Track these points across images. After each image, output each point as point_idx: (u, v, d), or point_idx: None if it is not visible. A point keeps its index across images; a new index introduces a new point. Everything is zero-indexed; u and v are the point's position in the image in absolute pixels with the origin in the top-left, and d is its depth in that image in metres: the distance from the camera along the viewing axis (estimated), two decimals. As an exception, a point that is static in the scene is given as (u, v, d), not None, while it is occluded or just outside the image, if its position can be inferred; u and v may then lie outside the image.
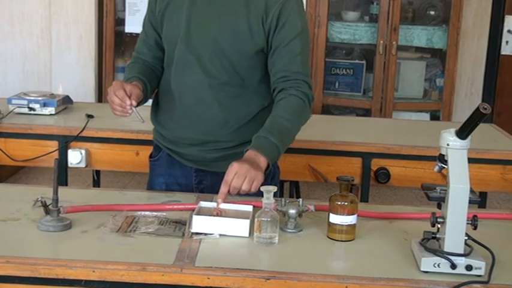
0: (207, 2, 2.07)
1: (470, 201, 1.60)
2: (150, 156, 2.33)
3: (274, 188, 1.73)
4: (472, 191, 1.61)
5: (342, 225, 1.76)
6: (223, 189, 1.83)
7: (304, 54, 2.08)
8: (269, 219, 1.71)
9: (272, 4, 2.02)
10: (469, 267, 1.57)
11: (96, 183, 3.56)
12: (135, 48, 2.26)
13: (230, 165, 1.85)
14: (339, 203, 1.77)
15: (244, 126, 2.12)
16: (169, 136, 2.20)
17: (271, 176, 2.16)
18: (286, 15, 2.02)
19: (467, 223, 1.60)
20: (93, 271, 1.55)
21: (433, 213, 1.65)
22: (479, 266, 1.57)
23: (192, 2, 2.08)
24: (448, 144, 1.63)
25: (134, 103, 1.96)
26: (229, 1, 2.05)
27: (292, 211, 1.82)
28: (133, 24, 4.80)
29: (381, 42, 4.69)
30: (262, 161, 1.89)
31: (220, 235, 1.75)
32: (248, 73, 2.09)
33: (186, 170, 2.21)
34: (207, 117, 2.10)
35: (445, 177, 1.65)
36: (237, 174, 1.82)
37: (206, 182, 2.21)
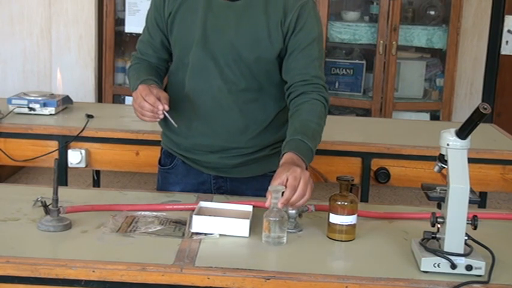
0: (224, 5, 2.01)
1: (470, 201, 1.60)
2: (160, 164, 2.26)
3: (282, 188, 1.72)
4: (472, 191, 1.61)
5: (342, 225, 1.76)
6: (288, 195, 1.71)
7: (321, 59, 2.06)
8: (277, 218, 1.71)
9: (290, 7, 1.99)
10: (469, 267, 1.57)
11: (96, 183, 3.56)
12: (136, 48, 2.19)
13: (288, 169, 1.74)
14: (339, 203, 1.77)
15: (263, 131, 2.08)
16: (186, 144, 2.14)
17: None
18: (304, 19, 2.00)
19: (467, 223, 1.60)
20: (93, 271, 1.55)
21: (433, 213, 1.65)
22: (479, 266, 1.57)
23: (207, 5, 2.02)
24: (448, 144, 1.63)
25: (167, 107, 1.90)
26: (247, 7, 2.00)
27: (292, 211, 1.81)
28: (134, 24, 4.80)
29: (381, 42, 4.69)
30: (303, 165, 1.83)
31: (220, 235, 1.75)
32: (266, 78, 2.05)
33: (203, 177, 2.17)
34: (228, 123, 2.06)
35: (445, 177, 1.65)
36: (302, 182, 1.73)
37: (226, 188, 2.17)
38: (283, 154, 1.86)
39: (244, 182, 2.16)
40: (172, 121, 1.95)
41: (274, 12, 2.00)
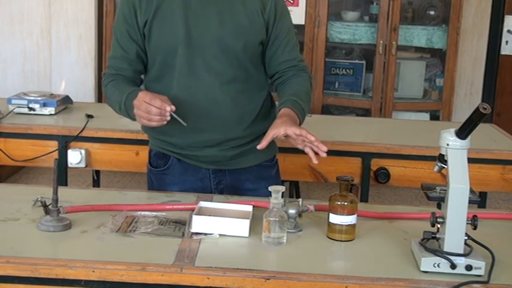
0: (202, 1, 2.06)
1: (470, 201, 1.60)
2: (152, 166, 2.23)
3: (282, 188, 1.74)
4: (471, 191, 1.61)
5: (342, 225, 1.76)
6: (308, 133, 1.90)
7: (298, 42, 2.24)
8: (277, 219, 1.71)
9: None
10: (468, 267, 1.57)
11: (96, 183, 3.56)
12: (108, 66, 2.15)
13: (286, 123, 1.92)
14: (339, 203, 1.77)
15: (255, 119, 2.15)
16: (181, 143, 2.14)
17: (276, 168, 2.25)
18: (280, 7, 2.16)
19: (467, 223, 1.60)
20: (93, 271, 1.55)
21: (433, 213, 1.65)
22: (479, 266, 1.57)
23: (185, 5, 2.05)
24: (448, 144, 1.63)
25: (173, 108, 1.90)
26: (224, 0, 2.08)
27: (292, 211, 1.82)
28: (133, 24, 4.79)
29: (381, 42, 4.68)
30: (298, 121, 1.99)
31: (220, 235, 1.75)
32: (251, 64, 2.13)
33: (202, 172, 2.18)
34: (223, 116, 2.09)
35: (445, 177, 1.65)
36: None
37: (225, 182, 2.19)
38: (280, 109, 2.02)
39: (242, 172, 2.19)
40: (180, 120, 1.95)
41: (250, 1, 2.10)
